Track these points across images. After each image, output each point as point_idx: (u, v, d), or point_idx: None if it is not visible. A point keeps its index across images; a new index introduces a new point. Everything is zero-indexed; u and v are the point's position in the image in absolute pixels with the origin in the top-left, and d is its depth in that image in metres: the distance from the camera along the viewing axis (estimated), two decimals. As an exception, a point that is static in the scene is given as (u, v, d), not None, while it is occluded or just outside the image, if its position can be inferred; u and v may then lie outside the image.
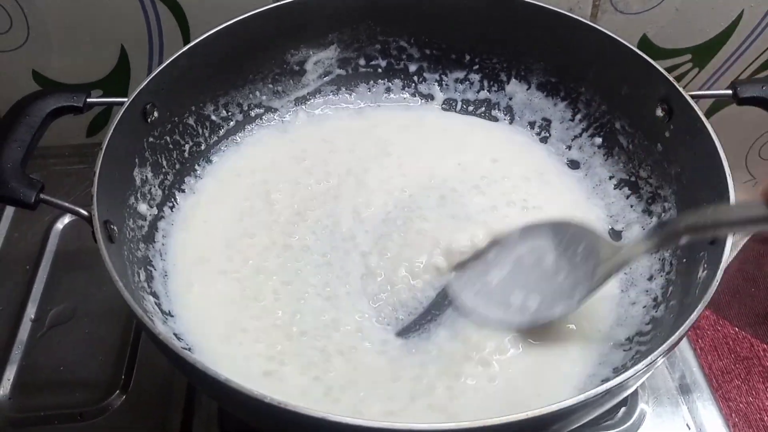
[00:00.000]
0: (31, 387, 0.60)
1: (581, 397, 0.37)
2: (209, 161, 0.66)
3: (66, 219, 0.72)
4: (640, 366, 0.39)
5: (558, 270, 0.53)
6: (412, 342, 0.53)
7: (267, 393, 0.37)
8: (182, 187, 0.63)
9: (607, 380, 0.39)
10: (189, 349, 0.50)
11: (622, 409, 0.57)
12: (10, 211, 0.74)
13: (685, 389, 0.59)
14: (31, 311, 0.65)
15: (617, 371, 0.49)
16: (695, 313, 0.42)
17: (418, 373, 0.50)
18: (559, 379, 0.50)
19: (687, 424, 0.57)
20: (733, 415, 0.83)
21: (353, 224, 0.60)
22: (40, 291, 0.67)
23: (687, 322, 0.41)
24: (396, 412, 0.48)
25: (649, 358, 0.40)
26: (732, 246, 1.01)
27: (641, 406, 0.58)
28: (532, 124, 0.70)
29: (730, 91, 0.54)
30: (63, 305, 0.66)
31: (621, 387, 0.39)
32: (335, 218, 0.61)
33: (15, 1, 0.71)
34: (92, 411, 0.58)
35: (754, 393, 0.86)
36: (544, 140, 0.69)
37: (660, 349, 0.40)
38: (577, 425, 0.43)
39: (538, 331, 0.52)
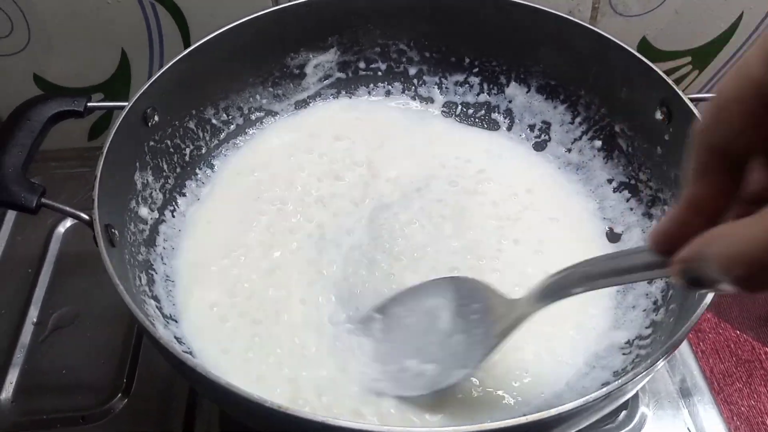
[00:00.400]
0: (33, 390, 0.60)
1: (581, 401, 0.37)
2: (210, 165, 0.66)
3: (68, 222, 0.73)
4: (640, 369, 0.39)
5: (454, 331, 0.50)
6: None
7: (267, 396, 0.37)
8: (183, 191, 0.63)
9: (607, 384, 0.39)
10: (190, 353, 0.51)
11: (623, 413, 0.57)
12: (12, 214, 0.74)
13: (685, 392, 0.59)
14: (33, 315, 0.66)
15: (617, 375, 0.49)
16: (695, 316, 0.42)
17: None
18: (557, 381, 0.50)
19: (688, 428, 0.57)
20: (734, 418, 0.83)
21: (358, 226, 0.60)
22: (42, 294, 0.67)
23: (687, 324, 0.42)
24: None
25: (649, 361, 0.40)
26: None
27: (642, 409, 0.58)
28: (531, 127, 0.70)
29: (729, 94, 0.54)
30: (65, 309, 0.66)
31: (621, 390, 0.39)
32: (340, 224, 0.61)
33: (16, 5, 0.71)
34: (94, 414, 0.58)
35: (756, 396, 0.86)
36: (544, 143, 0.69)
37: (660, 352, 0.40)
38: (577, 429, 0.43)
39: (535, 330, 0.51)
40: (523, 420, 0.36)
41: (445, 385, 0.49)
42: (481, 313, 0.49)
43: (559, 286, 0.43)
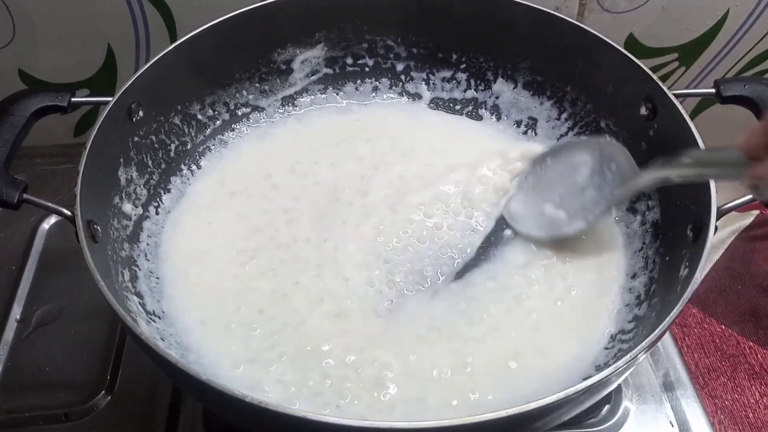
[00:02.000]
0: (16, 388, 0.60)
1: (561, 395, 0.38)
2: (195, 161, 0.65)
3: (52, 219, 0.72)
4: (620, 363, 0.40)
5: (589, 185, 0.58)
6: None
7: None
8: (168, 187, 0.62)
9: (588, 377, 0.40)
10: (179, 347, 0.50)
11: (606, 407, 0.58)
12: (-5, 211, 0.73)
13: (668, 387, 0.60)
14: (16, 312, 0.65)
15: (599, 369, 0.49)
16: (675, 310, 0.42)
17: None
18: (541, 375, 0.50)
19: (670, 422, 0.58)
20: (718, 412, 0.84)
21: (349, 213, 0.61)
22: (26, 291, 0.67)
23: (667, 318, 0.42)
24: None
25: (630, 354, 0.40)
26: (719, 244, 1.02)
27: (625, 403, 0.58)
28: (518, 123, 0.70)
29: (713, 90, 0.55)
30: (49, 306, 0.66)
31: (602, 384, 0.40)
32: (327, 218, 0.61)
33: (1, 0, 0.71)
34: (78, 411, 0.58)
35: (739, 390, 0.86)
36: (530, 138, 0.69)
37: (640, 346, 0.41)
38: (558, 422, 0.43)
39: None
40: (503, 414, 0.37)
41: (562, 235, 0.57)
42: (615, 174, 0.56)
43: (668, 165, 0.50)
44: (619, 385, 0.59)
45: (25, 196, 0.48)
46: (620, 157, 0.57)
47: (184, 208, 0.62)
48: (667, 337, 0.64)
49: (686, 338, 0.90)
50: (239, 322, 0.53)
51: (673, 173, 0.50)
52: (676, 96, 0.55)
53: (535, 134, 0.69)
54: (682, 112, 0.53)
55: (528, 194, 0.61)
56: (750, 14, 0.81)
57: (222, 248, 0.59)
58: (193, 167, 0.65)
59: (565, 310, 0.54)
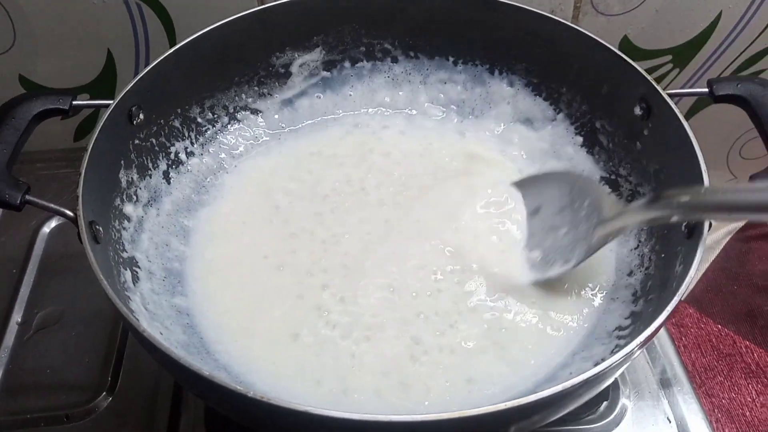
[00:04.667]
0: (17, 390, 0.60)
1: (558, 388, 0.38)
2: (195, 162, 0.66)
3: (53, 223, 0.73)
4: (616, 357, 0.40)
5: (562, 224, 0.53)
6: None
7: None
8: (169, 189, 0.63)
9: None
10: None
11: (604, 404, 0.58)
12: (-4, 215, 0.74)
13: (665, 383, 0.60)
14: (17, 315, 0.65)
15: (597, 365, 0.50)
16: (671, 305, 0.43)
17: None
18: (536, 370, 0.51)
19: (668, 418, 0.58)
20: (716, 410, 0.84)
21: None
22: (27, 294, 0.67)
23: (663, 313, 0.42)
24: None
25: (626, 349, 0.41)
26: (715, 244, 1.02)
27: (623, 400, 0.59)
28: (513, 123, 0.71)
29: (706, 89, 0.55)
30: (50, 308, 0.66)
31: (598, 378, 0.40)
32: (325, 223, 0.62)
33: (1, 5, 0.71)
34: (79, 413, 0.58)
35: (736, 389, 0.87)
36: (524, 139, 0.70)
37: (636, 341, 0.41)
38: (556, 417, 0.43)
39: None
40: (502, 406, 0.37)
41: (544, 277, 0.52)
42: (590, 210, 0.51)
43: (667, 204, 0.45)
44: (617, 382, 0.59)
45: (27, 197, 0.48)
46: (593, 191, 0.53)
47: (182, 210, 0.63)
48: (663, 335, 0.65)
49: (683, 338, 0.91)
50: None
51: (673, 214, 0.45)
52: (670, 96, 0.55)
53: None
54: (676, 111, 0.54)
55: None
56: (742, 16, 0.82)
57: (218, 249, 0.59)
58: (192, 169, 0.65)
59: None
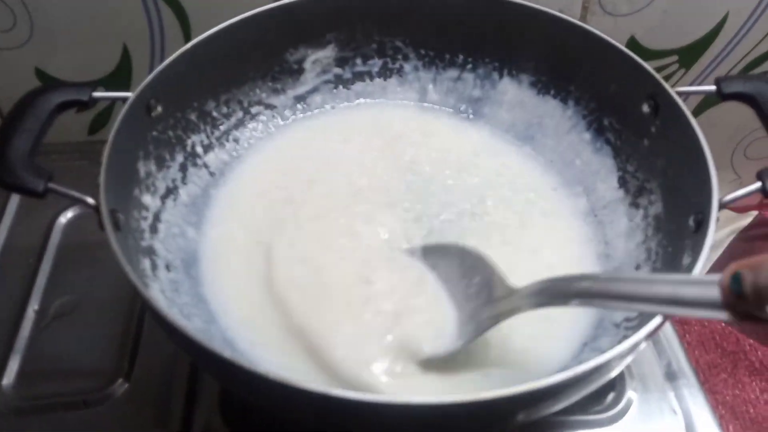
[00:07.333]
0: (35, 376, 0.61)
1: (566, 375, 0.39)
2: (211, 155, 0.67)
3: (69, 213, 0.74)
4: (623, 346, 0.41)
5: (450, 298, 0.51)
6: None
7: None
8: (185, 180, 0.64)
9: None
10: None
11: (611, 395, 0.59)
12: (13, 205, 0.75)
13: (671, 376, 0.61)
14: (34, 303, 0.66)
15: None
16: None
17: None
18: (545, 360, 0.52)
19: (674, 410, 0.59)
20: (720, 407, 0.85)
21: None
22: (44, 283, 0.68)
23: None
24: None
25: (633, 339, 0.41)
26: (718, 244, 1.03)
27: (629, 392, 0.60)
28: (522, 120, 0.72)
29: (713, 87, 0.56)
30: (66, 297, 0.67)
31: (605, 366, 0.41)
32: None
33: (20, -1, 0.73)
34: (96, 398, 0.59)
35: (740, 386, 0.88)
36: (533, 136, 0.71)
37: (643, 330, 0.42)
38: (563, 405, 0.44)
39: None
40: (510, 391, 0.38)
41: (431, 355, 0.49)
42: (480, 288, 0.49)
43: (559, 293, 0.43)
44: (623, 374, 0.60)
45: (50, 185, 0.50)
46: (483, 269, 0.50)
47: (199, 201, 0.64)
48: (669, 329, 0.65)
49: (687, 335, 0.92)
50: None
51: (568, 301, 0.42)
52: (678, 94, 0.56)
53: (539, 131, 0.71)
54: (684, 109, 0.55)
55: None
56: (749, 17, 0.83)
57: (246, 240, 0.61)
58: (209, 162, 0.67)
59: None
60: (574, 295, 0.43)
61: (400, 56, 0.74)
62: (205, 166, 0.66)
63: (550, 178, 0.68)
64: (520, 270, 0.50)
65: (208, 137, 0.67)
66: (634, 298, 0.40)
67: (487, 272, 0.50)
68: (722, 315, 0.35)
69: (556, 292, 0.44)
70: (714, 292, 0.35)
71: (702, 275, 0.39)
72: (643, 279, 0.43)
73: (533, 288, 0.45)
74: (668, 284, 0.39)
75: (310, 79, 0.73)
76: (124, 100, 0.55)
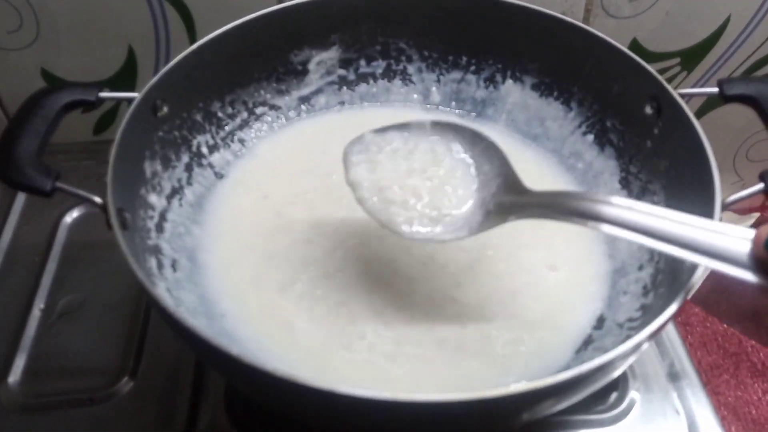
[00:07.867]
0: (41, 373, 0.61)
1: (570, 374, 0.39)
2: (216, 156, 0.68)
3: (75, 213, 0.74)
4: (627, 346, 0.41)
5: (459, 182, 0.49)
6: None
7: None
8: (190, 180, 0.65)
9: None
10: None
11: (614, 394, 0.59)
12: (19, 204, 0.76)
13: (674, 377, 0.61)
14: (40, 302, 0.67)
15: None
16: (681, 296, 0.44)
17: None
18: (555, 362, 0.52)
19: (676, 410, 0.59)
20: (722, 408, 0.86)
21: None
22: (49, 282, 0.69)
23: (673, 304, 0.44)
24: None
25: (636, 338, 0.42)
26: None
27: (632, 392, 0.60)
28: (525, 122, 0.72)
29: (716, 89, 0.56)
30: (72, 296, 0.67)
31: (609, 365, 0.41)
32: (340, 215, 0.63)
33: (26, 0, 0.73)
34: (101, 396, 0.59)
35: (742, 387, 0.88)
36: (536, 138, 0.71)
37: (646, 330, 0.42)
38: (567, 404, 0.45)
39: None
40: (514, 390, 0.38)
41: (432, 241, 0.49)
42: (491, 178, 0.48)
43: (581, 212, 0.41)
44: (626, 374, 0.61)
45: (57, 184, 0.50)
46: (497, 158, 0.49)
47: (205, 200, 0.64)
48: (672, 330, 0.66)
49: (689, 336, 0.92)
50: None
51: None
52: (681, 96, 0.56)
53: (542, 133, 0.71)
54: (687, 110, 0.55)
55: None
56: (751, 20, 0.83)
57: (240, 240, 0.61)
58: (213, 161, 0.67)
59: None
60: (594, 217, 0.40)
61: (403, 58, 0.74)
62: (211, 166, 0.67)
63: (553, 179, 0.68)
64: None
65: (213, 137, 0.68)
66: (658, 235, 0.39)
67: (498, 161, 0.48)
68: (746, 273, 0.34)
69: (577, 211, 0.41)
70: (744, 247, 0.34)
71: (735, 227, 0.37)
72: (671, 217, 0.40)
73: (553, 197, 0.43)
74: (697, 229, 0.37)
75: (314, 80, 0.73)
76: (130, 100, 0.56)
